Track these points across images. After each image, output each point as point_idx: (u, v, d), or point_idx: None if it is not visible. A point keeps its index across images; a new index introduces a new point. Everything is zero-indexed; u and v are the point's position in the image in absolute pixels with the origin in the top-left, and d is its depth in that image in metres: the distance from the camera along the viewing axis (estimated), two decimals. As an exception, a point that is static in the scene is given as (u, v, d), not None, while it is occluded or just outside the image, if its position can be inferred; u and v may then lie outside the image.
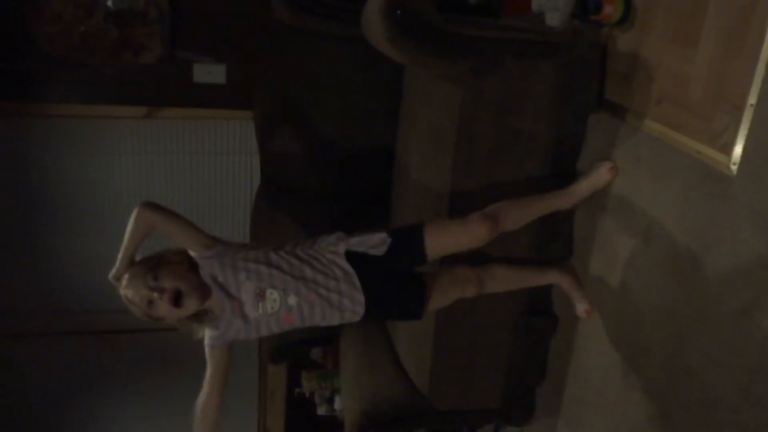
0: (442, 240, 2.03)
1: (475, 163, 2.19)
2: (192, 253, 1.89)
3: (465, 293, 2.18)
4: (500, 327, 2.45)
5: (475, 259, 2.20)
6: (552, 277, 2.32)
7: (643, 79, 1.97)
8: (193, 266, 1.87)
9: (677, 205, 1.86)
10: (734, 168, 1.63)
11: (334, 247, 1.98)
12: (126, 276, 1.84)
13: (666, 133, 1.88)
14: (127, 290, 1.83)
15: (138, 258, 1.88)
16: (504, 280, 2.25)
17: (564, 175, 2.28)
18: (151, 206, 1.88)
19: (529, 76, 2.09)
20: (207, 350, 1.99)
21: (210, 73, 3.05)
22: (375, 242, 1.99)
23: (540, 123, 2.16)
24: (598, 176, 2.13)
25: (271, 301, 1.91)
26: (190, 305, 1.83)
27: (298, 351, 3.52)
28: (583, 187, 2.17)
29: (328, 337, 3.24)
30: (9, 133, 3.10)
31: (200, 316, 1.91)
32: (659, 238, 1.95)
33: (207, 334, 1.96)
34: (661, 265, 1.94)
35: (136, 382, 3.87)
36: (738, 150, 1.61)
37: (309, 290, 1.92)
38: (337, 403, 3.61)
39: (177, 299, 1.79)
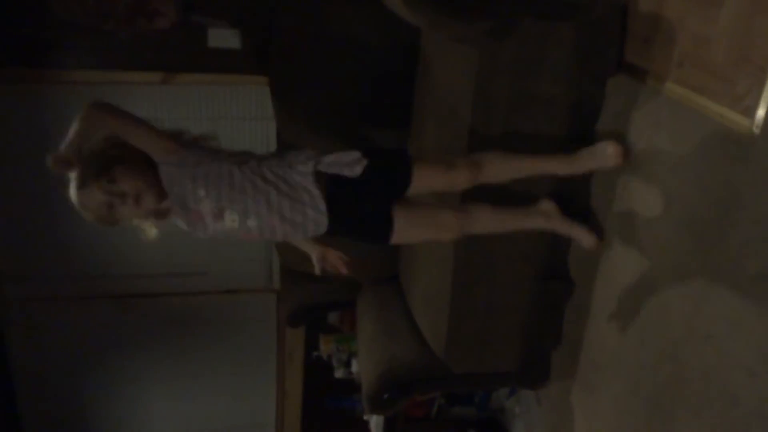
0: (426, 176, 1.99)
1: (492, 127, 2.17)
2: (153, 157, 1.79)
3: (440, 237, 2.14)
4: (516, 291, 2.46)
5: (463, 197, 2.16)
6: (539, 222, 2.24)
7: (664, 40, 1.93)
8: (149, 162, 1.77)
9: (697, 169, 1.84)
10: (756, 131, 1.60)
11: (304, 167, 1.88)
12: (75, 178, 1.71)
13: (687, 96, 1.85)
14: (80, 195, 1.72)
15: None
16: (486, 224, 2.16)
17: (581, 138, 2.26)
18: (104, 107, 1.74)
19: (547, 38, 2.06)
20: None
21: (225, 38, 3.02)
22: (348, 160, 1.90)
23: (558, 86, 2.13)
24: (603, 156, 2.09)
25: (229, 221, 1.84)
26: (149, 202, 1.76)
27: (316, 315, 3.55)
28: (585, 160, 2.13)
29: (346, 301, 3.27)
30: (26, 100, 3.11)
31: (161, 215, 1.86)
32: (678, 202, 1.93)
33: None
34: (680, 228, 1.93)
35: (155, 345, 3.93)
36: (761, 113, 1.59)
37: (271, 214, 1.85)
38: (354, 367, 3.65)
39: (137, 201, 1.73)
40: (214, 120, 3.28)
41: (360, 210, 1.98)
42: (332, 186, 1.89)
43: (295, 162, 1.89)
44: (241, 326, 3.93)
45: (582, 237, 2.26)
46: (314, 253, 2.17)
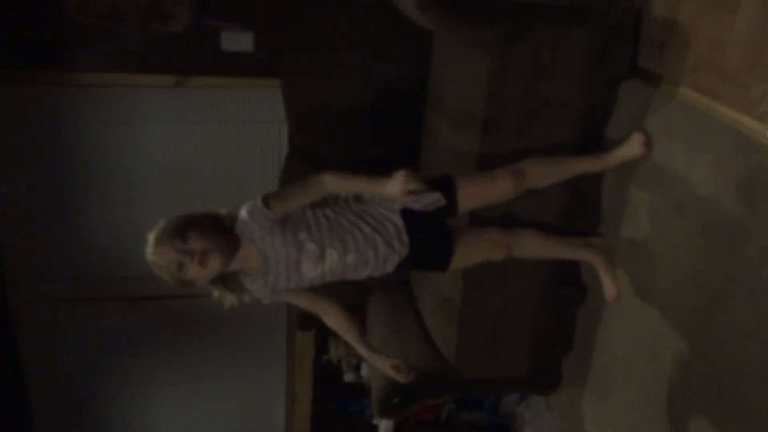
0: (472, 193, 2.04)
1: (504, 130, 2.17)
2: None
3: (491, 256, 2.18)
4: (528, 296, 2.45)
5: (507, 223, 2.20)
6: (583, 255, 2.29)
7: (678, 45, 1.93)
8: (221, 226, 1.85)
9: (711, 175, 1.83)
10: (772, 137, 1.59)
11: (389, 203, 1.98)
12: (152, 241, 1.80)
13: (701, 102, 1.84)
14: (155, 255, 1.80)
15: None
16: (533, 248, 2.23)
17: (593, 142, 2.25)
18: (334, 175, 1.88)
19: (560, 42, 2.05)
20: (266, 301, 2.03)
21: (238, 41, 3.03)
22: (430, 201, 1.98)
23: (570, 90, 2.12)
24: (630, 148, 2.11)
25: (330, 261, 1.90)
26: (214, 263, 1.80)
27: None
28: (614, 155, 2.15)
29: (356, 305, 3.27)
30: (39, 102, 3.13)
31: (229, 281, 1.92)
32: (692, 209, 1.92)
33: (256, 293, 1.99)
34: (693, 235, 1.91)
35: (165, 348, 3.94)
36: (776, 118, 1.58)
37: (367, 247, 1.92)
38: (364, 371, 3.65)
39: (203, 259, 1.78)
40: (227, 123, 3.29)
41: (427, 239, 2.03)
42: (405, 217, 1.98)
43: (379, 197, 1.99)
44: (251, 329, 3.93)
45: (610, 285, 2.25)
46: (387, 366, 2.16)
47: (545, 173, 2.13)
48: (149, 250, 1.81)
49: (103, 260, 3.55)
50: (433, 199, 1.98)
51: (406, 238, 1.97)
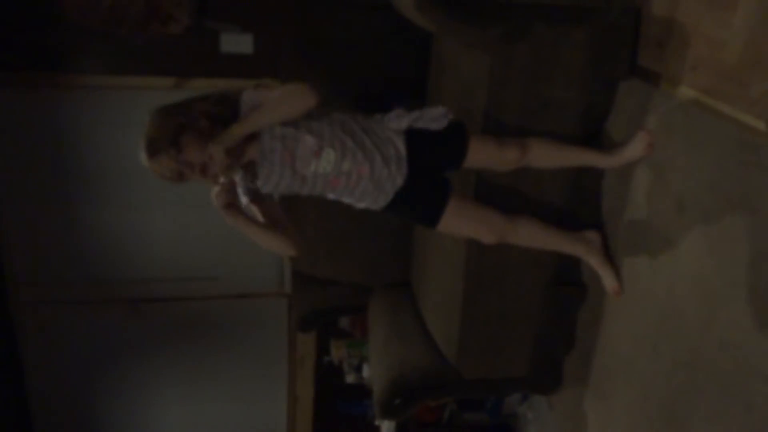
0: (479, 149, 2.03)
1: (505, 131, 2.17)
2: None
3: (481, 236, 2.15)
4: (529, 296, 2.45)
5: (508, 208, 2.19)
6: (578, 250, 2.29)
7: (678, 44, 1.92)
8: (217, 119, 1.80)
9: (712, 174, 1.83)
10: (772, 135, 1.59)
11: (396, 124, 1.96)
12: (145, 147, 1.77)
13: (701, 100, 1.84)
14: (152, 164, 1.77)
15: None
16: (527, 238, 2.21)
17: (594, 142, 2.25)
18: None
19: (560, 43, 2.06)
20: (244, 202, 1.92)
21: (237, 43, 3.04)
22: (435, 115, 1.97)
23: (570, 90, 2.13)
24: (634, 149, 2.10)
25: (326, 161, 1.86)
26: (216, 171, 1.79)
27: (327, 320, 3.55)
28: (618, 157, 2.14)
29: (357, 306, 3.27)
30: (40, 105, 3.14)
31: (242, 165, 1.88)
32: (692, 207, 1.92)
33: (240, 189, 1.91)
34: (694, 234, 1.91)
35: (167, 350, 3.94)
36: (776, 117, 1.57)
37: (365, 160, 1.89)
38: (366, 372, 3.64)
39: (204, 170, 1.77)
40: (227, 125, 3.29)
41: (425, 180, 2.00)
42: (411, 144, 1.95)
43: (386, 118, 1.97)
44: (253, 331, 3.94)
45: (609, 278, 2.27)
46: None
47: (548, 154, 2.13)
48: (143, 156, 1.78)
49: (105, 262, 3.56)
50: (436, 113, 1.97)
51: (405, 167, 1.94)
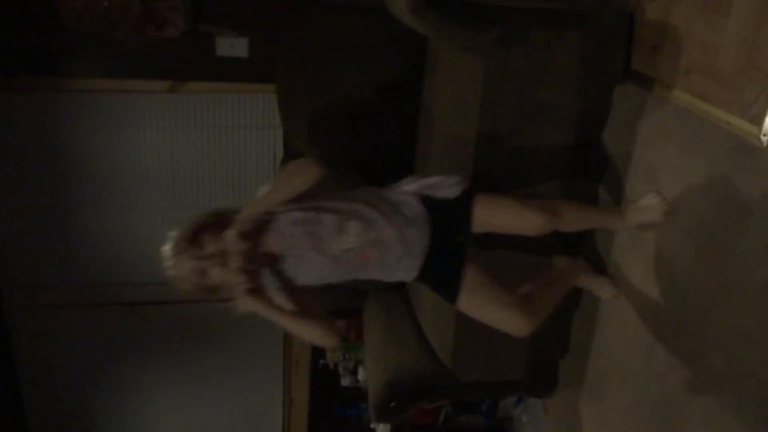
0: (494, 215, 1.94)
1: (500, 135, 2.18)
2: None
3: (510, 326, 2.01)
4: (524, 300, 2.45)
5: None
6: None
7: (671, 49, 1.93)
8: (229, 222, 1.78)
9: (705, 178, 1.84)
10: (765, 140, 1.60)
11: (408, 187, 1.93)
12: (169, 255, 1.75)
13: (695, 104, 1.85)
14: (175, 269, 1.75)
15: None
16: (541, 303, 2.11)
17: (588, 146, 2.26)
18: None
19: (554, 47, 2.06)
20: (279, 298, 1.81)
21: (233, 46, 3.03)
22: (449, 183, 1.92)
23: (565, 94, 2.13)
24: (651, 214, 2.06)
25: (353, 234, 1.80)
26: (236, 261, 1.73)
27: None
28: (637, 217, 2.10)
29: (352, 309, 3.27)
30: (35, 108, 3.13)
31: (253, 276, 1.80)
32: (686, 211, 1.93)
33: (272, 285, 1.81)
34: (688, 237, 1.92)
35: (163, 353, 3.93)
36: (769, 121, 1.58)
37: (388, 224, 1.83)
38: (361, 375, 3.64)
39: (224, 259, 1.72)
40: (222, 128, 3.29)
41: (440, 248, 1.92)
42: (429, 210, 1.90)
43: (399, 185, 1.95)
44: (248, 334, 3.93)
45: (603, 286, 2.32)
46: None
47: (576, 219, 2.08)
48: (167, 265, 1.76)
49: (100, 265, 3.55)
50: (452, 181, 1.92)
51: (428, 225, 1.87)
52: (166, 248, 1.76)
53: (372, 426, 3.54)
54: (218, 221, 1.79)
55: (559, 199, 2.06)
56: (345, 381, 3.76)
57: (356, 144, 2.86)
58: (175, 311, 3.75)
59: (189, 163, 3.34)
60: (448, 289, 1.99)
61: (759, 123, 1.60)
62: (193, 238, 1.74)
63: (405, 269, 1.91)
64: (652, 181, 2.07)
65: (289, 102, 2.93)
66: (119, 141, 3.24)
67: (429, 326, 2.73)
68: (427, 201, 1.92)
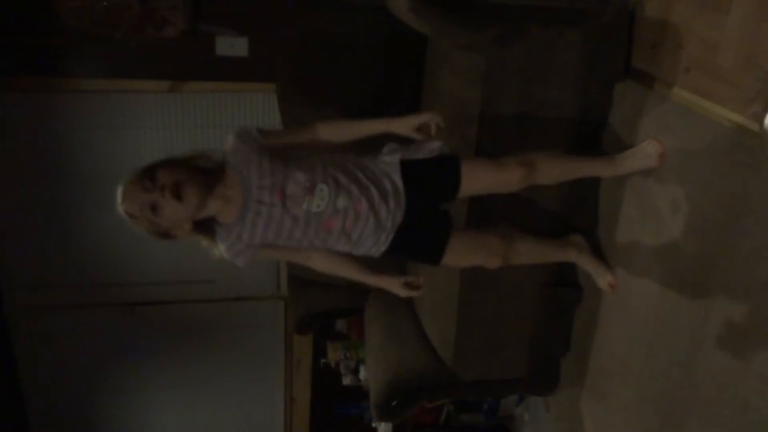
0: (476, 177, 1.92)
1: (500, 133, 2.18)
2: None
3: (487, 263, 2.11)
4: (525, 298, 2.45)
5: (503, 224, 2.16)
6: (571, 255, 2.28)
7: (671, 46, 1.93)
8: (194, 165, 1.71)
9: (706, 174, 1.84)
10: (765, 136, 1.60)
11: (390, 157, 1.87)
12: (121, 192, 1.66)
13: (695, 102, 1.85)
14: (125, 204, 1.65)
15: None
16: (527, 254, 2.20)
17: (589, 144, 2.26)
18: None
19: (554, 45, 2.06)
20: (241, 264, 1.79)
21: (233, 46, 3.04)
22: (431, 148, 1.90)
23: (565, 92, 2.13)
24: (645, 159, 2.04)
25: (319, 197, 1.73)
26: (191, 195, 1.64)
27: (323, 322, 3.55)
28: (629, 163, 2.08)
29: (353, 308, 3.27)
30: (35, 108, 3.13)
31: (207, 225, 1.74)
32: (687, 208, 1.92)
33: (223, 246, 1.76)
34: (689, 235, 1.92)
35: (165, 353, 3.94)
36: (769, 118, 1.58)
37: (360, 195, 1.77)
38: (362, 374, 3.64)
39: (177, 191, 1.61)
40: (222, 128, 3.29)
41: (424, 215, 1.91)
42: (406, 178, 1.86)
43: (380, 154, 1.89)
44: (249, 333, 3.93)
45: (603, 274, 2.28)
46: (399, 286, 1.96)
47: (554, 170, 2.05)
48: (119, 201, 1.66)
49: (101, 266, 3.55)
50: (433, 146, 1.89)
51: (403, 201, 1.83)
52: (120, 186, 1.67)
53: (373, 425, 3.54)
54: (172, 161, 1.71)
55: (536, 151, 2.01)
56: (346, 380, 3.77)
57: (356, 143, 2.86)
58: (177, 311, 3.76)
59: (189, 162, 3.34)
60: (431, 254, 2.00)
61: (759, 119, 1.60)
62: (147, 172, 1.65)
63: (372, 243, 1.86)
64: (653, 178, 2.07)
65: (289, 101, 2.92)
66: (119, 141, 3.25)
67: (430, 324, 2.73)
68: (409, 169, 1.87)
